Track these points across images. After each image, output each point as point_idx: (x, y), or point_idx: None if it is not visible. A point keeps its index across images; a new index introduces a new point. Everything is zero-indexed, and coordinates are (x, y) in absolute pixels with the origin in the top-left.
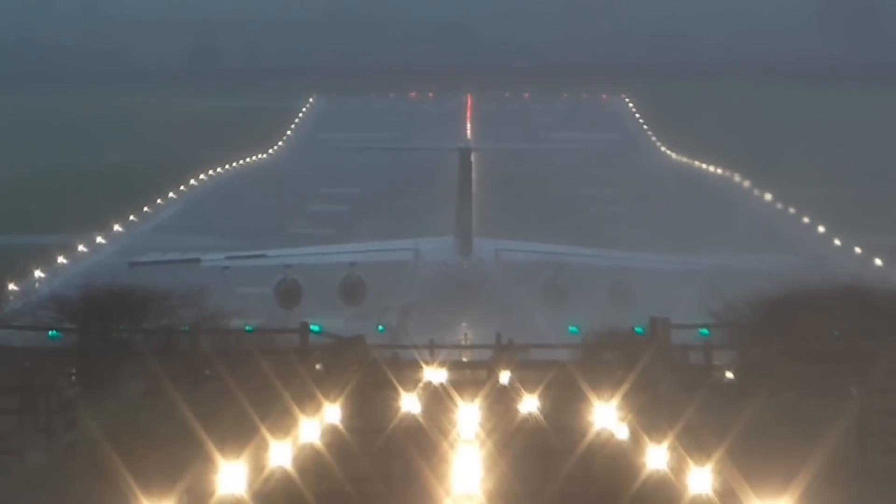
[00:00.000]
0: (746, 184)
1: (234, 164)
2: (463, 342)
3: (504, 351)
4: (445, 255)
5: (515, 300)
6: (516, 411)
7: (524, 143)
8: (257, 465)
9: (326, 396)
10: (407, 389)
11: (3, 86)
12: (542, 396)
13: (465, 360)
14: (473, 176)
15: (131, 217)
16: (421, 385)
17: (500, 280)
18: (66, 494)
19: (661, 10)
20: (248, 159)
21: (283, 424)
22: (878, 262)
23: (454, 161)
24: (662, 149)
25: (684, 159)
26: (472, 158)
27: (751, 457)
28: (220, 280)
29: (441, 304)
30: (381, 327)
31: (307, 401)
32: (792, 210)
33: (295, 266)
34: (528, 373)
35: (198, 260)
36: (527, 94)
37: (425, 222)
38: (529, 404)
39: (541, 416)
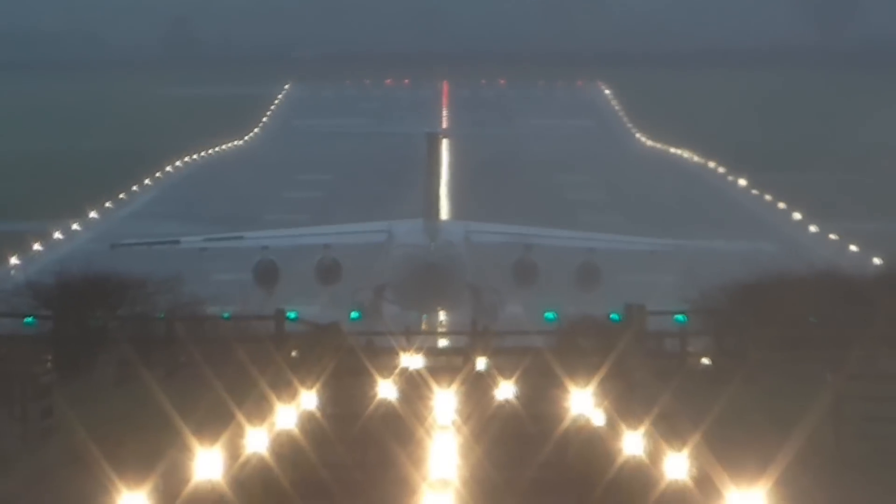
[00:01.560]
0: (722, 170)
1: (210, 150)
2: (439, 329)
3: (480, 337)
4: (415, 237)
5: (484, 280)
6: (492, 398)
7: (498, 128)
8: (233, 452)
9: (303, 383)
10: (383, 376)
11: None
12: (518, 383)
13: (440, 345)
14: (448, 161)
15: (107, 204)
16: (397, 371)
17: (469, 260)
18: (41, 482)
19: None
20: (223, 146)
21: (259, 411)
22: (853, 248)
23: (423, 149)
24: (638, 136)
25: (660, 146)
26: (444, 143)
27: (727, 443)
28: (199, 261)
29: (410, 284)
30: (354, 314)
31: (283, 387)
32: (768, 196)
33: (272, 247)
34: (505, 359)
35: (177, 241)
36: (503, 81)
37: (400, 206)
38: (506, 391)
39: (517, 403)
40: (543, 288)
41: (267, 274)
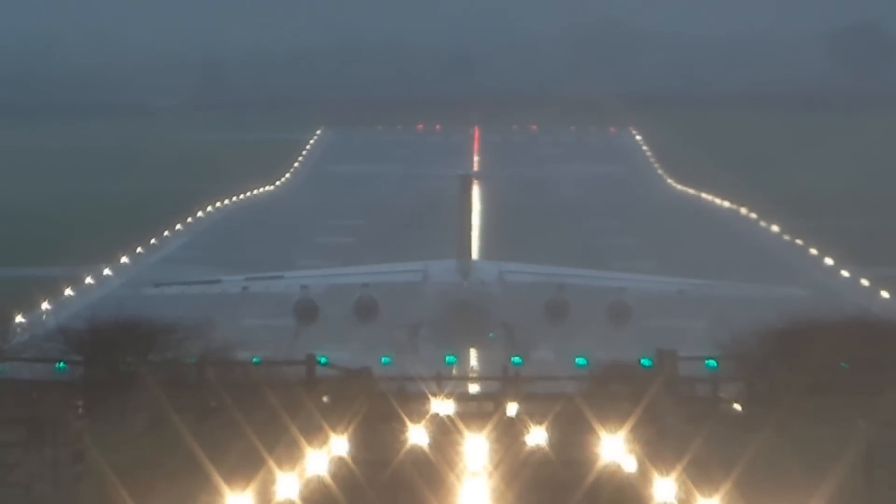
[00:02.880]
0: (754, 215)
1: (242, 195)
2: (470, 374)
3: (511, 383)
4: (449, 275)
5: (515, 318)
6: (523, 443)
7: (530, 173)
8: (264, 498)
9: (333, 428)
10: (414, 421)
11: (12, 117)
12: (549, 429)
13: (471, 391)
14: (480, 203)
15: (139, 249)
16: (428, 417)
17: (501, 299)
18: None
19: (669, 44)
20: (255, 191)
21: (290, 456)
22: (884, 294)
23: (454, 193)
24: (670, 181)
25: (692, 191)
26: (475, 185)
27: (758, 489)
28: (232, 305)
29: (445, 321)
30: (385, 359)
31: (314, 433)
32: (799, 241)
33: (311, 286)
34: (536, 405)
35: (218, 281)
36: (534, 127)
37: (432, 249)
38: (537, 436)
39: (548, 449)
40: (575, 327)
41: (306, 312)
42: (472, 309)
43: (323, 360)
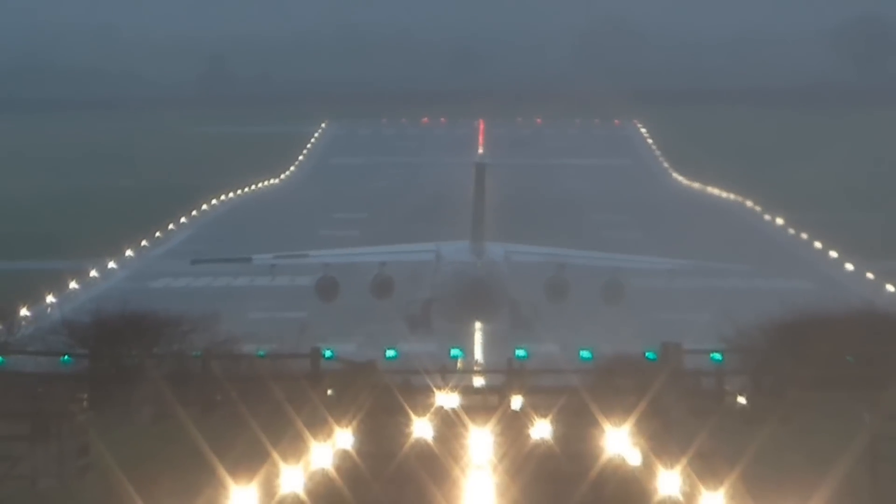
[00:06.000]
0: (758, 209)
1: (247, 189)
2: (474, 367)
3: (516, 376)
4: (463, 255)
5: (521, 295)
6: (528, 437)
7: (534, 166)
8: (269, 491)
9: (338, 422)
10: (419, 414)
11: (16, 110)
12: (553, 422)
13: (475, 384)
14: (486, 194)
15: (143, 242)
16: (432, 410)
17: (509, 276)
18: None
19: (673, 38)
20: (260, 184)
21: (294, 450)
22: (889, 287)
23: (460, 184)
24: (674, 174)
25: (696, 185)
26: (486, 173)
27: (763, 482)
28: (270, 276)
29: (459, 297)
30: (390, 352)
31: (319, 426)
32: (804, 235)
33: (333, 264)
34: (540, 398)
35: (249, 259)
36: (539, 120)
37: (435, 239)
38: (541, 429)
39: (553, 442)
40: (574, 303)
41: (328, 288)
42: (485, 286)
43: (328, 353)
